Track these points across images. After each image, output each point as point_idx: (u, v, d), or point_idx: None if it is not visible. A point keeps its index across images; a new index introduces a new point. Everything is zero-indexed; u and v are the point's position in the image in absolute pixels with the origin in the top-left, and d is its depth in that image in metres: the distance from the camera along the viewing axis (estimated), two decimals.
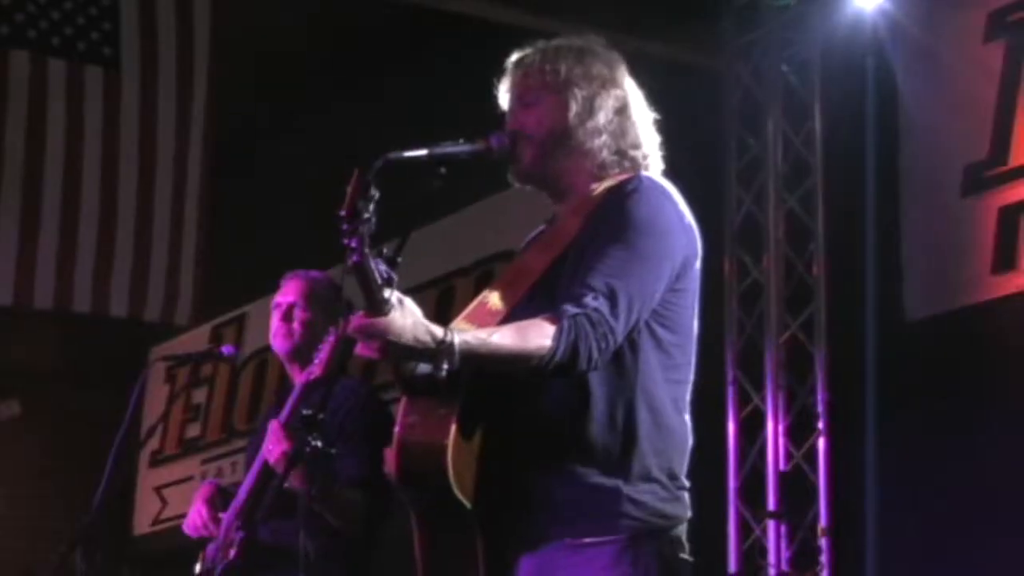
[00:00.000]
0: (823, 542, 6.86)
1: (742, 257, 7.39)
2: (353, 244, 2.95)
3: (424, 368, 3.08)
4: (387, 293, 2.99)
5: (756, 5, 7.34)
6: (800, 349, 7.17)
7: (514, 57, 3.46)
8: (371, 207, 2.96)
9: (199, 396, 11.52)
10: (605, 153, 3.34)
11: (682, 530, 3.25)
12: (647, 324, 3.20)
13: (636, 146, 3.38)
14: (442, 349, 3.00)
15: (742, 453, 7.19)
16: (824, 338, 7.10)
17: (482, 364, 3.07)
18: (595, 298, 3.09)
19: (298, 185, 10.56)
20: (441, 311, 9.21)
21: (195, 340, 10.68)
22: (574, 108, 3.34)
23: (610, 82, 3.38)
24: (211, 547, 4.98)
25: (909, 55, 7.04)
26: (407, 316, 3.00)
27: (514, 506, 3.18)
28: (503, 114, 3.45)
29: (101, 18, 8.79)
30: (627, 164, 3.36)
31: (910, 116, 7.02)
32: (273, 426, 4.64)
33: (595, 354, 3.07)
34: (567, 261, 3.25)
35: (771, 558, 7.02)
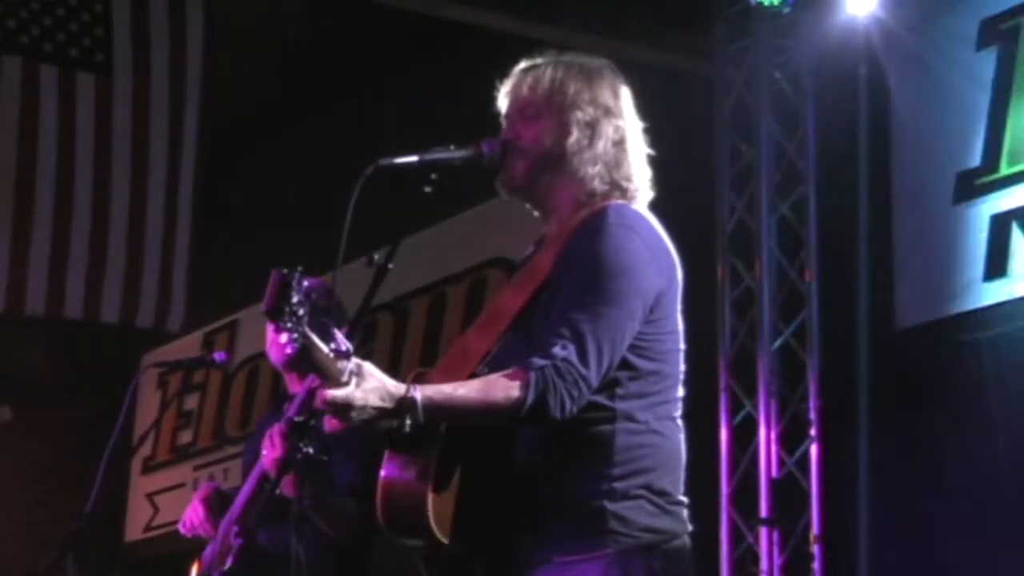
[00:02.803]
0: (815, 549, 6.86)
1: (734, 264, 7.38)
2: (283, 340, 2.99)
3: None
4: (342, 364, 3.02)
5: (749, 12, 7.34)
6: (792, 356, 7.17)
7: (523, 64, 3.43)
8: (297, 299, 2.98)
9: (191, 403, 11.52)
10: (597, 182, 3.32)
11: (680, 544, 3.24)
12: (624, 358, 3.19)
13: (628, 178, 3.35)
14: (404, 408, 3.04)
15: (734, 460, 7.18)
16: (816, 345, 7.09)
17: (448, 419, 3.10)
18: (563, 347, 3.09)
19: (292, 190, 10.57)
20: (433, 318, 9.22)
21: (187, 347, 10.68)
22: (575, 133, 3.32)
23: (613, 111, 3.36)
24: (207, 552, 4.97)
25: (902, 62, 7.04)
26: (367, 381, 3.04)
27: (507, 535, 3.21)
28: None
29: (93, 24, 8.78)
30: (616, 195, 3.33)
31: (902, 123, 7.03)
32: (272, 431, 4.64)
33: (567, 403, 3.08)
34: (541, 300, 3.25)
35: (763, 565, 7.01)
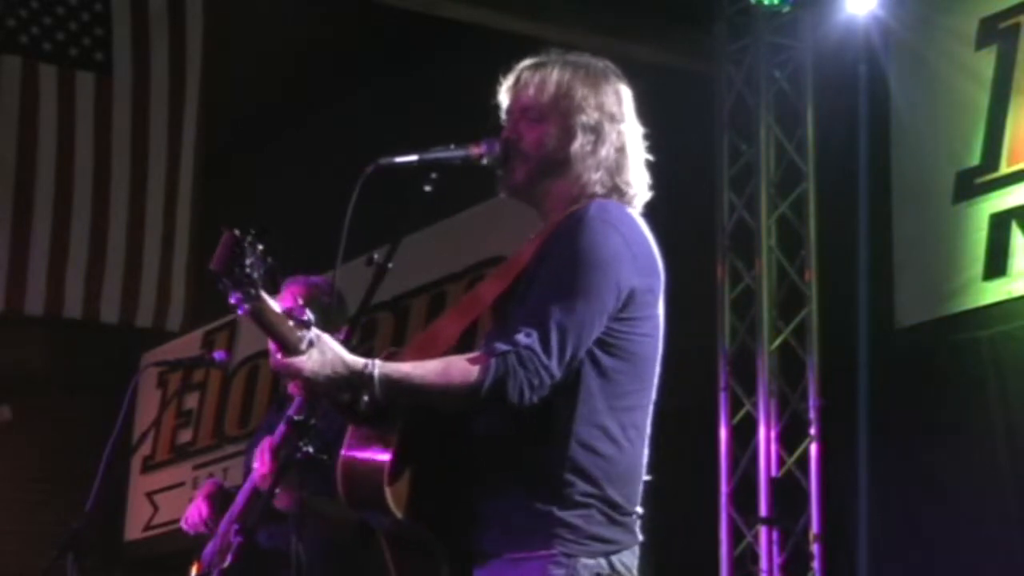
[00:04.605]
0: (815, 548, 6.86)
1: (734, 263, 7.39)
2: (233, 300, 2.98)
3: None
4: (301, 334, 3.01)
5: (749, 11, 7.35)
6: (792, 355, 7.17)
7: (529, 62, 3.41)
8: (251, 261, 2.96)
9: (190, 402, 11.52)
10: (598, 187, 3.30)
11: (627, 556, 3.20)
12: (589, 352, 3.16)
13: (628, 183, 3.34)
14: (361, 381, 3.03)
15: (734, 459, 7.18)
16: (816, 344, 7.10)
17: (405, 397, 3.09)
18: (527, 335, 3.07)
19: (292, 189, 10.57)
20: (432, 317, 9.21)
21: (187, 346, 10.68)
22: (579, 139, 3.29)
23: (617, 116, 3.34)
24: (207, 551, 4.98)
25: (901, 61, 7.04)
26: (324, 353, 3.03)
27: (462, 523, 3.20)
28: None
29: (93, 24, 8.79)
30: (615, 198, 3.31)
31: (902, 122, 7.03)
32: (263, 446, 4.65)
33: (526, 391, 3.06)
34: (517, 289, 3.23)
35: (763, 564, 7.01)
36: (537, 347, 3.06)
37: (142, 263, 9.13)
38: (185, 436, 11.59)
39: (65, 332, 10.83)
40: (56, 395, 11.90)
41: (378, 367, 3.04)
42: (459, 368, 3.06)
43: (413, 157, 3.26)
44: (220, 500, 5.01)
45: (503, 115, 3.41)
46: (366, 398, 3.04)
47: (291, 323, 3.02)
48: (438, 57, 9.26)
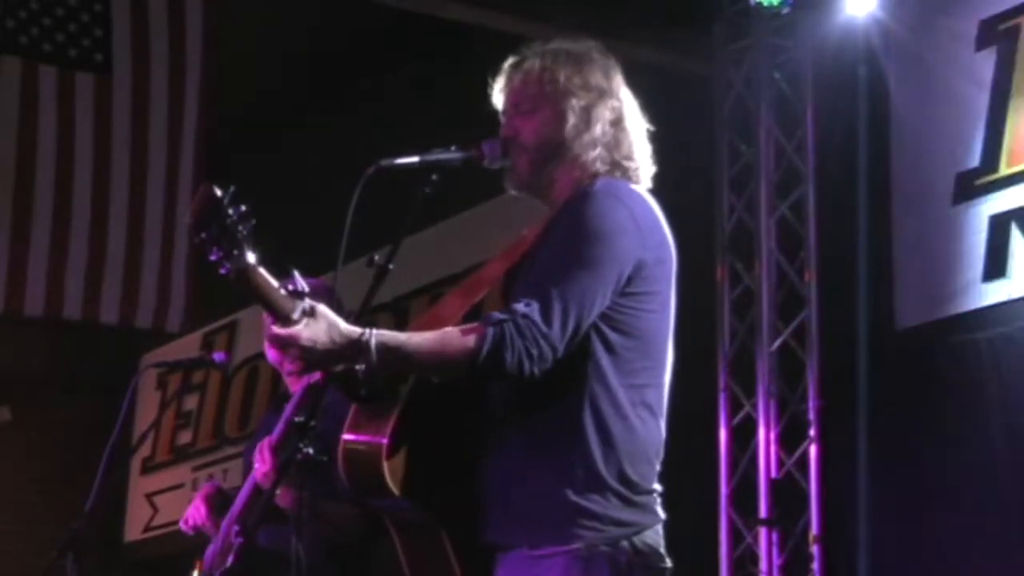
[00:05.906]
0: (815, 549, 6.86)
1: (734, 264, 7.38)
2: (213, 257, 2.94)
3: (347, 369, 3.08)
4: (295, 303, 3.00)
5: (748, 12, 7.34)
6: (792, 356, 7.16)
7: (512, 60, 3.43)
8: (233, 219, 2.92)
9: (190, 403, 11.52)
10: (599, 164, 3.31)
11: (650, 536, 3.17)
12: (595, 327, 3.14)
13: (629, 157, 3.35)
14: (358, 350, 3.01)
15: (734, 460, 7.18)
16: (816, 345, 7.09)
17: (402, 366, 3.08)
18: (527, 305, 3.05)
19: (291, 192, 10.57)
20: None
21: (186, 347, 10.68)
22: (571, 119, 3.31)
23: (607, 92, 3.36)
24: (208, 552, 4.98)
25: (901, 63, 7.04)
26: (319, 322, 3.01)
27: (473, 508, 3.18)
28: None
29: (93, 24, 8.79)
30: (618, 175, 3.32)
31: (902, 124, 7.03)
32: (263, 444, 4.65)
33: (524, 361, 3.03)
34: (522, 267, 3.23)
35: (762, 565, 7.01)
36: (536, 316, 3.04)
37: (142, 263, 9.13)
38: (185, 437, 11.59)
39: (65, 332, 10.83)
40: (56, 395, 11.90)
41: (375, 335, 3.02)
42: (456, 337, 3.05)
43: (414, 159, 3.27)
44: (219, 502, 5.01)
45: (501, 118, 3.42)
46: (363, 367, 3.02)
47: (284, 292, 2.99)
48: (438, 57, 9.26)
